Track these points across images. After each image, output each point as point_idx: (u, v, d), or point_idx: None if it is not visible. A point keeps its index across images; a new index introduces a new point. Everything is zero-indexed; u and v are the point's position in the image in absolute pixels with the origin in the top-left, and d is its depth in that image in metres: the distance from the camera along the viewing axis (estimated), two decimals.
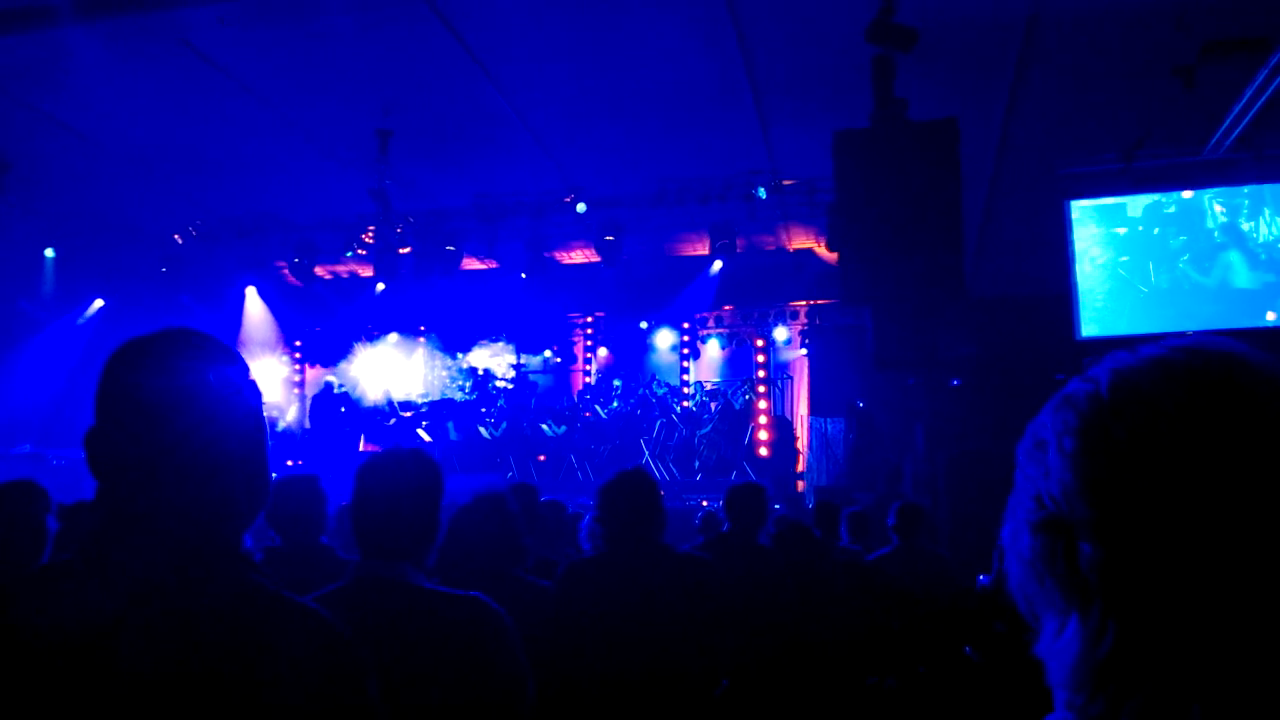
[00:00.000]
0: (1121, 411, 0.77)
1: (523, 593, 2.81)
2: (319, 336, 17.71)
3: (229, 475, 1.22)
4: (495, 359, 16.52)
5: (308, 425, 15.68)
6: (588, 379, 16.62)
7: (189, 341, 1.25)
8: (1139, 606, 0.74)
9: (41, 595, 1.15)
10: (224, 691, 1.09)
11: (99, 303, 15.85)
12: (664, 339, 16.30)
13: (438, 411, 15.47)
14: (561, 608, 2.94)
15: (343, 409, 15.39)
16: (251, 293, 16.86)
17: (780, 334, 15.61)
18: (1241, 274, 10.34)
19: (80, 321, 15.59)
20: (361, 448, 15.06)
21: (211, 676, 1.09)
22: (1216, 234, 10.47)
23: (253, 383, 1.29)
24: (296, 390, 17.49)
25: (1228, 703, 0.70)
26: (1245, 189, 10.42)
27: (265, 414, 1.33)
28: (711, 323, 16.29)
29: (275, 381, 17.24)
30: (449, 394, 16.01)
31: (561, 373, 17.10)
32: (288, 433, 15.84)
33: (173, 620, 1.11)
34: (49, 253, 14.97)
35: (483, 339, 16.76)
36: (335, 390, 15.64)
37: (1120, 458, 0.75)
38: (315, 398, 15.79)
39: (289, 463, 14.36)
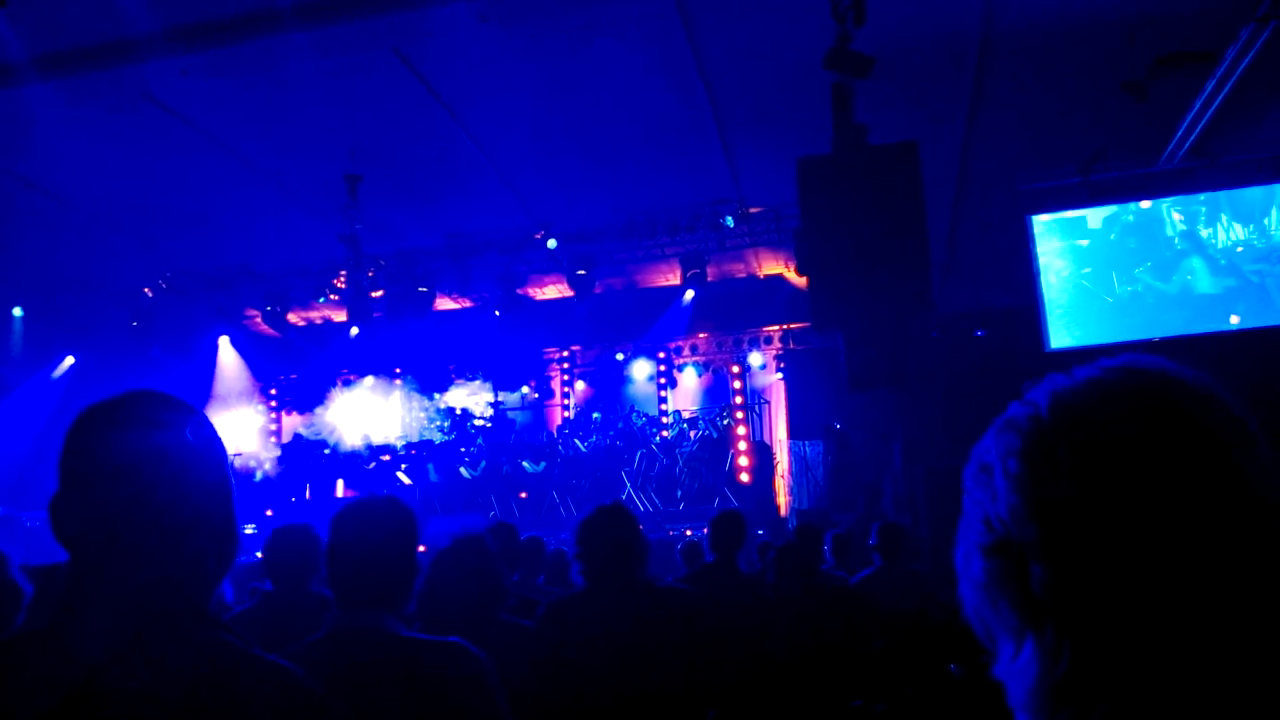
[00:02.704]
0: (1062, 432, 0.79)
1: (504, 635, 2.79)
2: (294, 383, 17.59)
3: (196, 538, 1.22)
4: (473, 398, 16.45)
5: (283, 473, 15.54)
6: (566, 413, 16.58)
7: (152, 404, 1.26)
8: (1091, 625, 0.75)
9: (10, 663, 1.15)
10: None
11: (70, 360, 15.70)
12: (641, 369, 16.31)
13: (417, 453, 15.37)
14: (543, 648, 2.92)
15: (320, 454, 15.28)
16: (224, 343, 16.74)
17: (755, 359, 15.67)
18: (1203, 280, 10.51)
19: (52, 378, 15.43)
20: (340, 493, 14.94)
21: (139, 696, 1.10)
22: (1176, 241, 10.64)
23: (218, 442, 1.30)
24: (274, 439, 17.34)
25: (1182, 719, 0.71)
26: (1201, 197, 10.62)
27: (233, 470, 1.33)
28: (687, 351, 16.33)
29: (252, 431, 17.09)
30: (428, 435, 15.92)
31: (539, 408, 17.05)
32: (266, 481, 15.68)
33: (141, 685, 1.11)
34: (17, 311, 14.84)
35: (459, 378, 16.69)
36: (309, 438, 15.54)
37: (1064, 477, 0.77)
38: (285, 447, 15.67)
39: (267, 512, 14.21)
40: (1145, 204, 10.78)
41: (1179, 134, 10.33)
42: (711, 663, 2.99)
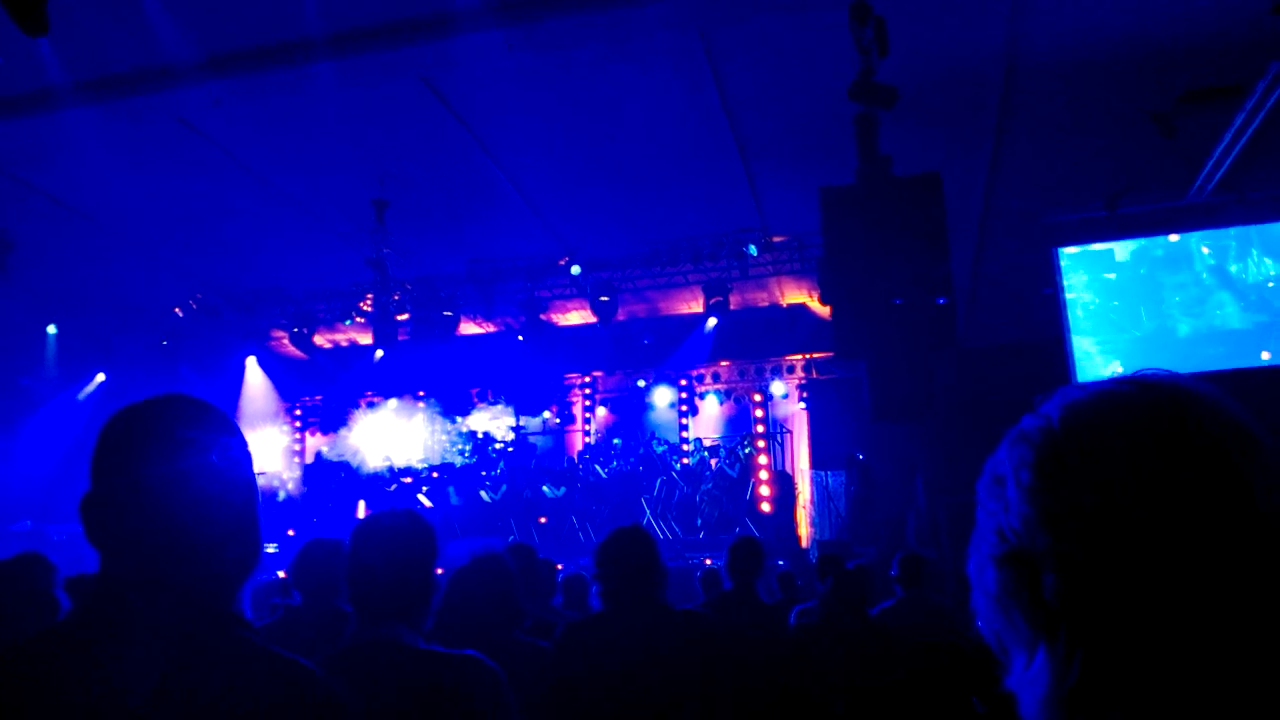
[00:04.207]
0: (1075, 444, 0.80)
1: (520, 654, 2.80)
2: (319, 404, 17.74)
3: (223, 541, 1.25)
4: (495, 422, 16.51)
5: (306, 493, 15.65)
6: (587, 439, 16.60)
7: (183, 408, 1.29)
8: (1103, 634, 0.76)
9: (48, 662, 1.17)
10: None
11: (100, 377, 15.92)
12: (662, 396, 16.32)
13: (438, 476, 15.43)
14: (559, 669, 2.92)
15: (342, 475, 15.38)
16: (251, 363, 16.92)
17: (777, 388, 15.63)
18: (1233, 315, 10.41)
19: (81, 396, 15.64)
20: (361, 514, 14.99)
21: (200, 710, 1.12)
22: (1205, 276, 10.56)
23: (245, 448, 1.33)
24: (297, 459, 17.46)
25: None
26: (1231, 231, 10.54)
27: (258, 478, 1.36)
28: (709, 379, 16.33)
29: (276, 451, 17.22)
30: (449, 458, 15.98)
31: (560, 434, 17.09)
32: (289, 500, 15.78)
33: (175, 681, 1.14)
34: (51, 329, 15.08)
35: (482, 402, 16.78)
36: (331, 459, 15.64)
37: (1075, 488, 0.78)
38: (310, 467, 15.78)
39: (289, 532, 14.28)
40: (1174, 238, 10.71)
41: (1207, 167, 10.28)
42: (728, 687, 2.98)
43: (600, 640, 2.98)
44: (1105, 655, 0.76)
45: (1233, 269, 10.47)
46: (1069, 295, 10.89)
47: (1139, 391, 0.82)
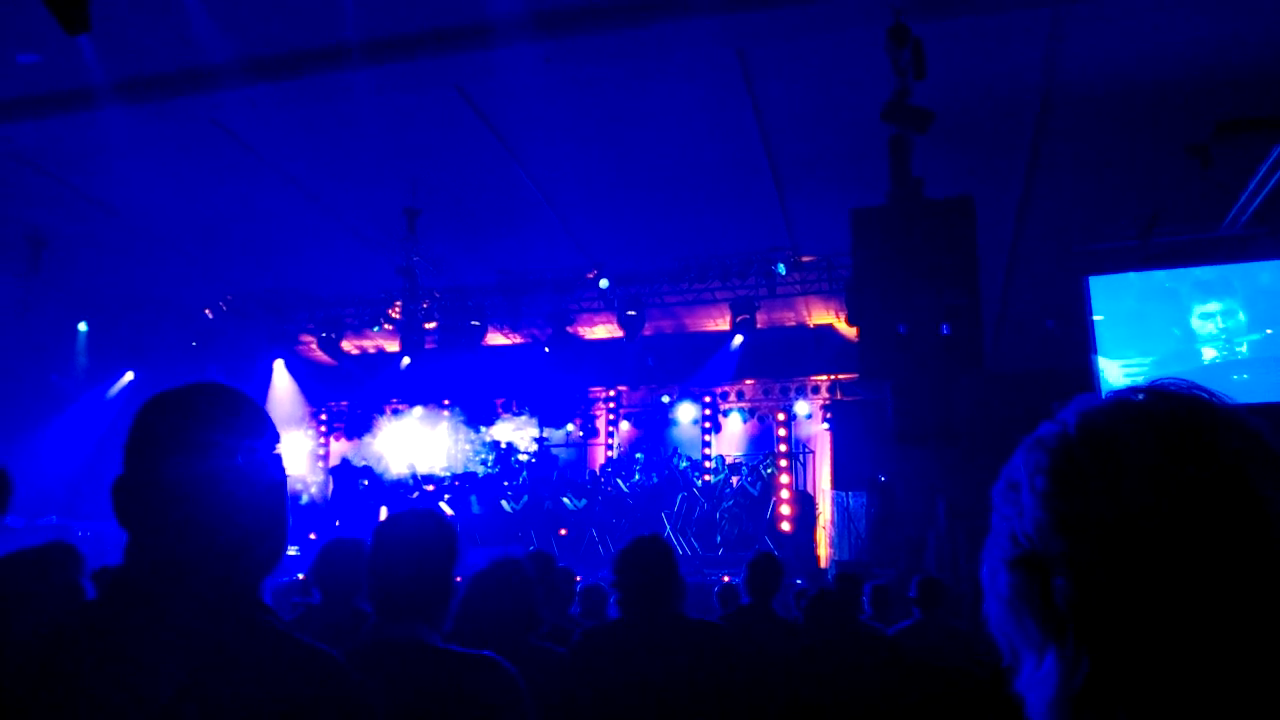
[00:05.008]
0: (1088, 451, 0.81)
1: (536, 659, 2.81)
2: (345, 410, 17.87)
3: (250, 526, 1.27)
4: (518, 432, 16.58)
5: (329, 497, 15.75)
6: (610, 453, 16.62)
7: (217, 396, 1.32)
8: (1110, 637, 0.77)
9: (77, 645, 1.20)
10: (238, 713, 1.14)
11: (129, 375, 16.11)
12: (685, 412, 16.32)
13: (461, 484, 15.50)
14: (576, 675, 2.93)
15: (365, 482, 15.47)
16: (279, 366, 17.07)
17: (801, 408, 15.60)
18: (1272, 345, 10.27)
19: (110, 394, 15.82)
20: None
21: (229, 699, 1.14)
22: (1240, 311, 10.44)
23: (275, 441, 1.35)
24: (322, 463, 17.59)
25: None
26: (1266, 265, 10.42)
27: (285, 469, 1.38)
28: (733, 396, 16.32)
29: (301, 454, 17.35)
30: (472, 467, 16.05)
31: (583, 447, 17.12)
32: (312, 505, 15.89)
33: (202, 664, 1.16)
34: (82, 326, 15.29)
35: (506, 412, 16.85)
36: (356, 464, 15.75)
37: (1088, 494, 0.79)
38: (334, 471, 15.88)
39: (311, 535, 14.38)
40: (1206, 270, 10.60)
41: (1241, 199, 10.19)
42: (742, 700, 2.98)
43: (616, 647, 2.99)
44: (1112, 659, 0.77)
45: (1268, 303, 10.34)
46: (1098, 323, 10.80)
47: (1155, 401, 0.83)
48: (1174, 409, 0.81)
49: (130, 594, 1.22)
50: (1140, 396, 0.84)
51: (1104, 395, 0.86)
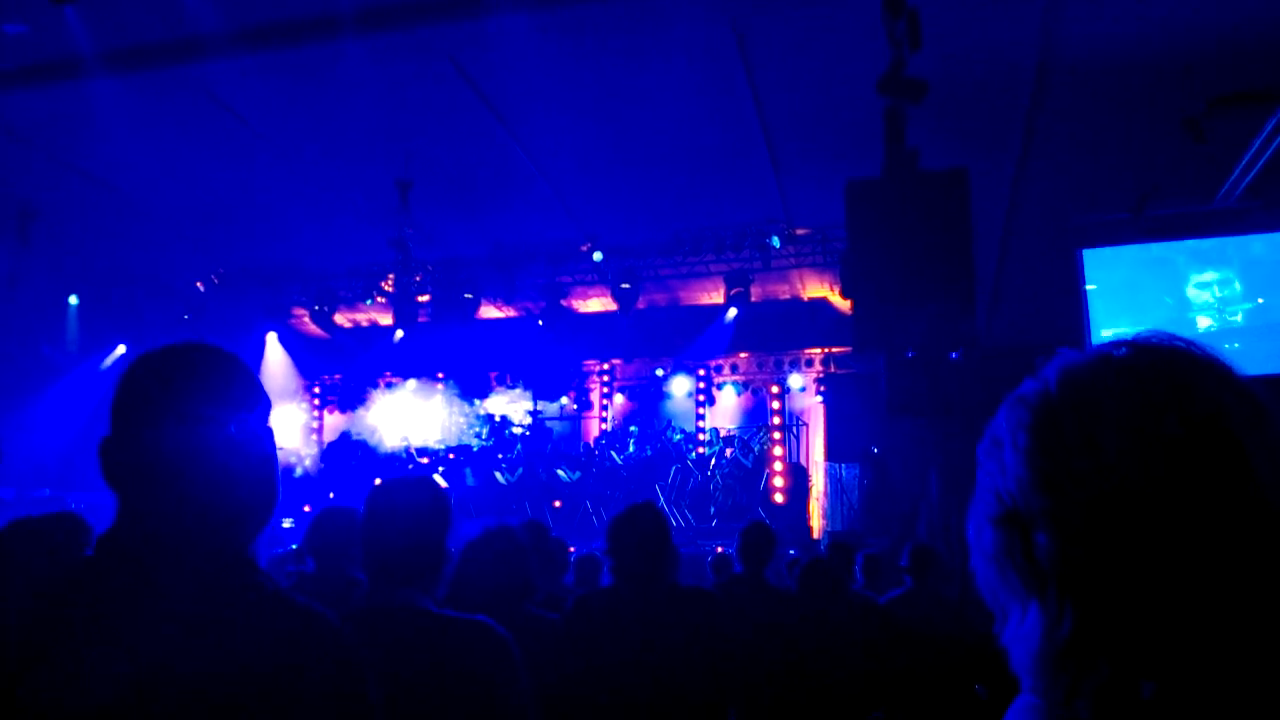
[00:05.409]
0: (1069, 407, 0.81)
1: (531, 625, 2.84)
2: (338, 383, 17.86)
3: (239, 485, 1.28)
4: (512, 405, 16.59)
5: (324, 469, 15.79)
6: (604, 425, 16.65)
7: (210, 363, 1.32)
8: (1091, 590, 0.78)
9: (69, 604, 1.20)
10: (228, 670, 1.15)
11: (121, 349, 16.06)
12: (680, 386, 16.34)
13: (455, 458, 15.53)
14: (569, 641, 2.96)
15: (359, 453, 15.50)
16: (272, 339, 17.03)
17: (795, 381, 15.62)
18: (1265, 314, 10.29)
19: (102, 367, 15.78)
20: None
21: (221, 655, 1.16)
22: (1236, 280, 10.46)
23: (265, 399, 1.35)
24: (315, 436, 17.59)
25: (1177, 677, 0.74)
26: (1260, 238, 10.44)
27: (274, 435, 1.37)
28: (727, 370, 16.33)
29: (294, 428, 17.35)
30: (466, 440, 16.07)
31: (577, 420, 17.15)
32: (306, 478, 15.92)
33: (195, 620, 1.17)
34: (73, 299, 15.22)
35: (500, 385, 16.86)
36: (353, 438, 15.76)
37: (1068, 450, 0.79)
38: (331, 445, 15.89)
39: (305, 508, 14.41)
40: (1200, 242, 10.62)
41: (1235, 173, 10.19)
42: (734, 666, 3.01)
43: (610, 613, 3.02)
44: (1094, 612, 0.78)
45: (1260, 274, 10.37)
46: (1091, 296, 10.83)
47: (1137, 355, 0.83)
48: (1155, 363, 0.81)
49: (120, 554, 1.22)
50: (1122, 351, 0.84)
51: (1087, 350, 0.86)
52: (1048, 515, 0.80)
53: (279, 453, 1.38)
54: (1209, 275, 10.54)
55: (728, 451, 14.66)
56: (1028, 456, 0.83)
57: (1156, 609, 0.75)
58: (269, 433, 1.35)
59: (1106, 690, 0.76)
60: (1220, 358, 0.82)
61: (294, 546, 6.54)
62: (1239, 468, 0.75)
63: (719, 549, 10.34)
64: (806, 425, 15.71)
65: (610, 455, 14.92)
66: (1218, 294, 10.47)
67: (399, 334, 16.09)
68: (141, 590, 1.19)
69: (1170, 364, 0.81)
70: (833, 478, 14.29)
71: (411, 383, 17.01)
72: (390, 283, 14.35)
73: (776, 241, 12.93)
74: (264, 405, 1.35)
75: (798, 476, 14.10)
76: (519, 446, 15.53)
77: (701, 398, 16.14)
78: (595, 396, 17.13)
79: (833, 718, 3.94)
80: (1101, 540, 0.77)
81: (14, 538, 2.73)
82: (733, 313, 14.71)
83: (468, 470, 15.34)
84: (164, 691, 1.12)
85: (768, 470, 13.96)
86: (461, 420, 16.75)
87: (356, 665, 1.25)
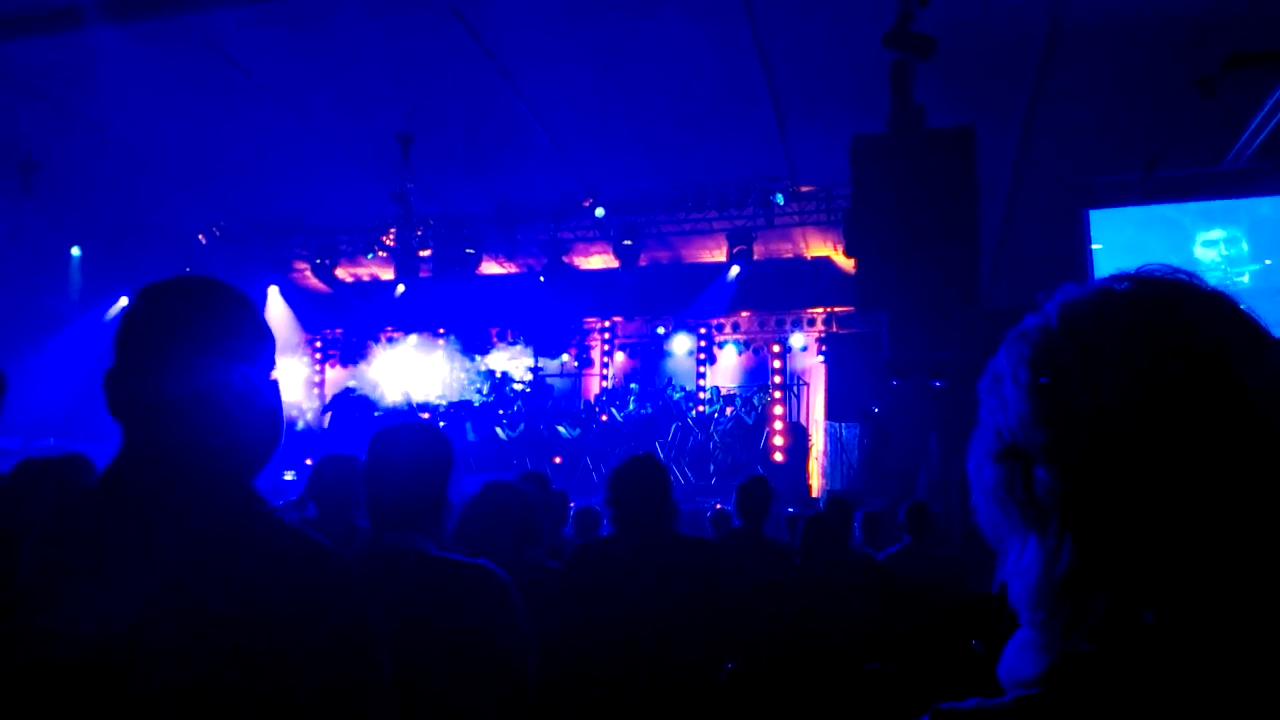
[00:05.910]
0: (1069, 341, 0.81)
1: (531, 572, 2.86)
2: (339, 337, 17.87)
3: (243, 418, 1.28)
4: (513, 362, 16.61)
5: (326, 425, 15.82)
6: (604, 383, 16.68)
7: (208, 290, 1.32)
8: (1091, 524, 0.78)
9: (75, 531, 1.21)
10: (233, 596, 1.16)
11: (124, 300, 16.05)
12: (681, 344, 16.34)
13: (456, 413, 15.57)
14: (570, 589, 2.99)
15: (360, 408, 15.53)
16: (273, 293, 17.03)
17: (797, 340, 15.61)
18: (1272, 275, 10.26)
19: (106, 319, 15.79)
20: None
21: (224, 581, 1.17)
22: (1243, 240, 10.42)
23: (270, 336, 1.36)
24: (317, 390, 17.64)
25: (1176, 607, 0.74)
26: (1268, 200, 10.38)
27: (278, 365, 1.38)
28: (728, 328, 16.32)
29: (296, 381, 17.38)
30: (467, 396, 16.11)
31: (578, 377, 17.17)
32: (307, 431, 15.98)
33: (199, 549, 1.18)
34: (75, 251, 15.21)
35: (501, 341, 16.87)
36: (355, 393, 15.79)
37: (1069, 385, 0.79)
38: (334, 398, 15.93)
39: (307, 461, 14.47)
40: (1209, 203, 10.56)
41: (1246, 134, 10.10)
42: (732, 616, 3.04)
43: (609, 561, 3.04)
44: (1093, 547, 0.78)
45: (1270, 235, 10.31)
46: (1098, 258, 10.79)
47: (1138, 288, 0.82)
48: (1156, 296, 0.81)
49: (125, 484, 1.23)
50: (1124, 285, 0.83)
51: (1088, 285, 0.85)
52: (1048, 450, 0.80)
53: (280, 390, 1.38)
54: (1216, 233, 10.47)
55: (728, 410, 14.69)
56: (1029, 392, 0.82)
57: (1156, 541, 0.75)
58: (272, 367, 1.36)
59: (1106, 620, 0.77)
60: (1221, 290, 0.82)
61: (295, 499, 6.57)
62: (1238, 401, 0.75)
63: (718, 505, 10.41)
64: (807, 385, 15.73)
65: (611, 412, 14.97)
66: (1224, 252, 10.42)
67: (400, 289, 16.06)
68: (146, 519, 1.20)
69: (1172, 298, 0.80)
70: (833, 437, 14.33)
71: (413, 338, 17.02)
72: (392, 237, 14.30)
73: (780, 198, 12.85)
74: (268, 342, 1.36)
75: (798, 435, 14.15)
76: (519, 403, 15.57)
77: (702, 356, 16.15)
78: (596, 354, 17.14)
79: (830, 669, 3.99)
80: (1101, 475, 0.77)
81: (23, 476, 2.77)
82: (735, 271, 14.67)
83: (468, 425, 15.39)
84: (169, 620, 1.13)
85: (768, 429, 14.01)
86: (462, 376, 16.77)
87: (356, 591, 1.27)
